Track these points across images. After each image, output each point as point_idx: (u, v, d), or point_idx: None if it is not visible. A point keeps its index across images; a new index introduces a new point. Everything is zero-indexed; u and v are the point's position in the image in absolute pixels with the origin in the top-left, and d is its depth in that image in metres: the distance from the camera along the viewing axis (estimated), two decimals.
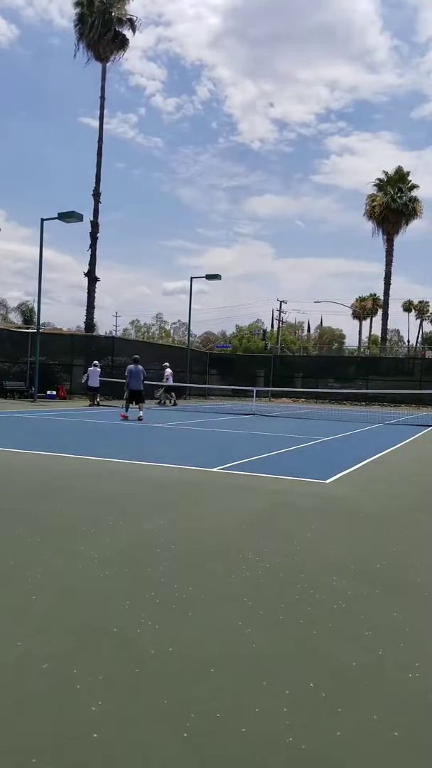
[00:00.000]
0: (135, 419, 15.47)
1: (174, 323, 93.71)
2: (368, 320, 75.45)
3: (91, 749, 1.80)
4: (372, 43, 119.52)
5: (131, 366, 16.77)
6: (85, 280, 34.28)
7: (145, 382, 17.27)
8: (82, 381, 23.39)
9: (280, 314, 60.19)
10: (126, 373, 16.82)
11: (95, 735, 1.86)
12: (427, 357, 47.18)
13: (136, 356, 17.48)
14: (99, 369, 23.12)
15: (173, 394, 25.27)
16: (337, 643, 2.61)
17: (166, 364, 24.74)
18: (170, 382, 24.65)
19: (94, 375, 22.63)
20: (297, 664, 2.40)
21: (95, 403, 22.74)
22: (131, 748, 1.81)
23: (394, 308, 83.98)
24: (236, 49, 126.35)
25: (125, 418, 15.84)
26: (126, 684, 2.19)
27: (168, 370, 24.38)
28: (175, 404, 24.85)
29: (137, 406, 16.32)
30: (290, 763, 1.77)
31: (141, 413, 15.93)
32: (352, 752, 1.83)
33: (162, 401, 24.80)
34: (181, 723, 1.94)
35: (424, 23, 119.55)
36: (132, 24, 34.61)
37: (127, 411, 16.38)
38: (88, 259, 33.83)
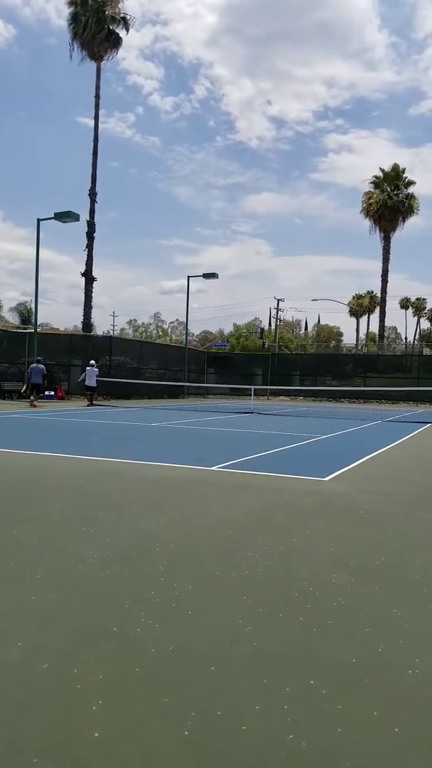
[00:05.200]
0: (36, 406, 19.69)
1: (172, 322, 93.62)
2: (365, 318, 75.63)
3: (92, 748, 1.80)
4: (370, 40, 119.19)
5: (33, 365, 20.89)
6: (82, 279, 34.26)
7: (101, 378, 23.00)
8: (78, 380, 23.21)
9: (277, 312, 60.22)
10: (28, 370, 21.24)
11: (96, 734, 1.87)
12: (424, 354, 47.25)
13: (39, 357, 21.70)
14: (97, 369, 23.02)
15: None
16: (337, 640, 2.62)
17: None
18: None
19: (91, 375, 22.54)
20: (297, 661, 2.41)
21: (92, 403, 22.65)
22: (132, 747, 1.81)
23: (392, 305, 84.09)
24: (234, 47, 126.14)
25: (35, 406, 19.84)
26: (126, 683, 2.19)
27: None
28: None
29: (36, 395, 20.71)
30: (291, 760, 1.78)
31: (34, 400, 20.44)
32: (352, 749, 1.84)
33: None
34: (182, 721, 1.95)
35: (422, 20, 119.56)
36: (126, 22, 34.54)
37: (34, 400, 20.51)
38: (85, 258, 33.81)
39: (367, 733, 1.92)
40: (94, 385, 22.72)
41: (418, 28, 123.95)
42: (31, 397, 20.62)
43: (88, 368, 22.88)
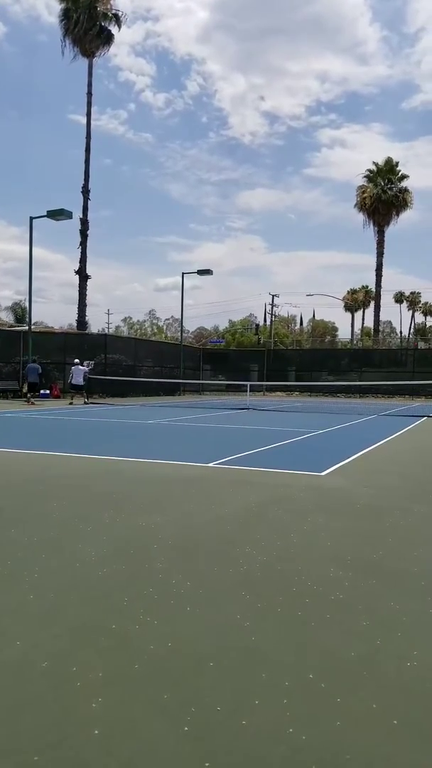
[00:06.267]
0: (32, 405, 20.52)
1: (167, 319, 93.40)
2: (360, 312, 75.72)
3: (92, 746, 1.80)
4: (361, 34, 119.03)
5: (30, 365, 21.82)
6: (77, 278, 34.18)
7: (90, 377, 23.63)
8: (69, 381, 22.92)
9: (272, 308, 60.20)
10: (25, 371, 22.17)
11: (96, 731, 1.87)
12: (419, 348, 47.36)
13: (35, 357, 22.77)
14: (83, 367, 22.69)
15: None
16: (335, 634, 2.63)
17: None
18: None
19: (77, 373, 22.29)
20: (296, 655, 2.41)
21: (78, 401, 22.43)
22: (132, 744, 1.81)
23: (386, 300, 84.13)
24: (225, 43, 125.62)
25: (33, 404, 20.72)
26: (126, 680, 2.19)
27: None
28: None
29: (33, 393, 21.58)
30: (291, 754, 1.79)
31: (31, 398, 21.37)
32: (352, 741, 1.84)
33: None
34: (182, 717, 1.95)
35: (414, 13, 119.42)
36: (117, 19, 34.43)
37: (32, 398, 21.38)
38: (79, 256, 33.71)
39: (366, 726, 1.93)
40: (81, 383, 22.36)
41: (410, 22, 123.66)
42: (29, 395, 21.42)
43: (73, 367, 22.62)
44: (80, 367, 22.60)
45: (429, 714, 2.01)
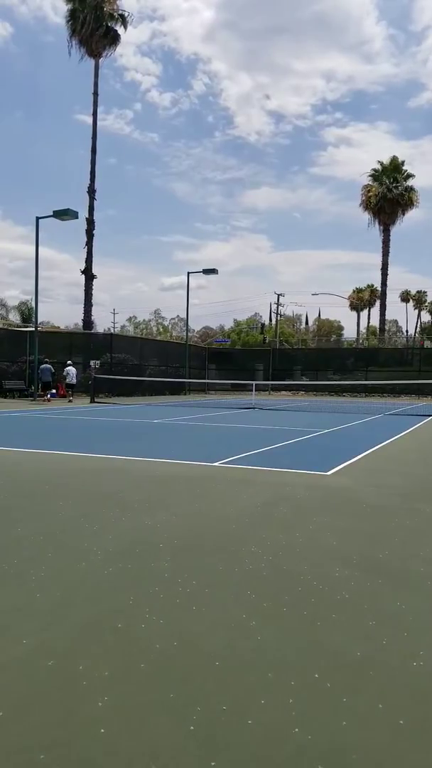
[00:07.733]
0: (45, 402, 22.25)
1: (172, 319, 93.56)
2: (366, 311, 75.51)
3: (98, 744, 1.81)
4: (368, 32, 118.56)
5: (44, 365, 23.53)
6: (82, 277, 34.24)
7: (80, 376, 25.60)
8: (67, 381, 24.01)
9: (278, 307, 60.06)
10: (39, 371, 23.53)
11: (102, 730, 1.87)
12: (425, 347, 47.20)
13: (46, 359, 24.56)
14: (74, 369, 24.33)
15: None
16: (341, 633, 2.62)
17: None
18: None
19: (71, 374, 23.90)
20: (301, 655, 2.41)
21: (69, 400, 23.49)
22: (138, 743, 1.82)
23: (392, 298, 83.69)
24: (231, 42, 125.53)
25: (49, 400, 22.69)
26: (132, 679, 2.20)
27: None
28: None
29: (47, 392, 23.26)
30: (296, 753, 1.78)
31: (49, 396, 23.15)
32: (357, 741, 1.84)
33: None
34: (188, 716, 1.95)
35: (421, 11, 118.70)
36: (123, 19, 34.46)
37: (45, 397, 23.01)
38: (85, 256, 33.78)
39: (371, 726, 1.92)
40: (74, 382, 24.17)
41: (417, 20, 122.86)
42: (44, 394, 23.01)
43: (68, 368, 24.12)
44: (73, 368, 24.36)
45: None
